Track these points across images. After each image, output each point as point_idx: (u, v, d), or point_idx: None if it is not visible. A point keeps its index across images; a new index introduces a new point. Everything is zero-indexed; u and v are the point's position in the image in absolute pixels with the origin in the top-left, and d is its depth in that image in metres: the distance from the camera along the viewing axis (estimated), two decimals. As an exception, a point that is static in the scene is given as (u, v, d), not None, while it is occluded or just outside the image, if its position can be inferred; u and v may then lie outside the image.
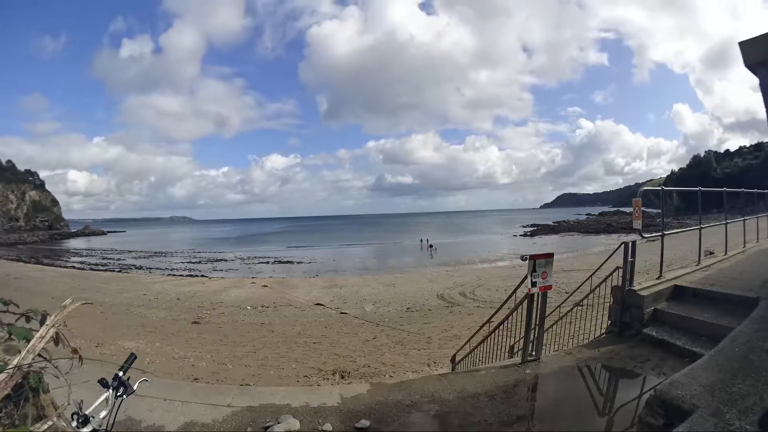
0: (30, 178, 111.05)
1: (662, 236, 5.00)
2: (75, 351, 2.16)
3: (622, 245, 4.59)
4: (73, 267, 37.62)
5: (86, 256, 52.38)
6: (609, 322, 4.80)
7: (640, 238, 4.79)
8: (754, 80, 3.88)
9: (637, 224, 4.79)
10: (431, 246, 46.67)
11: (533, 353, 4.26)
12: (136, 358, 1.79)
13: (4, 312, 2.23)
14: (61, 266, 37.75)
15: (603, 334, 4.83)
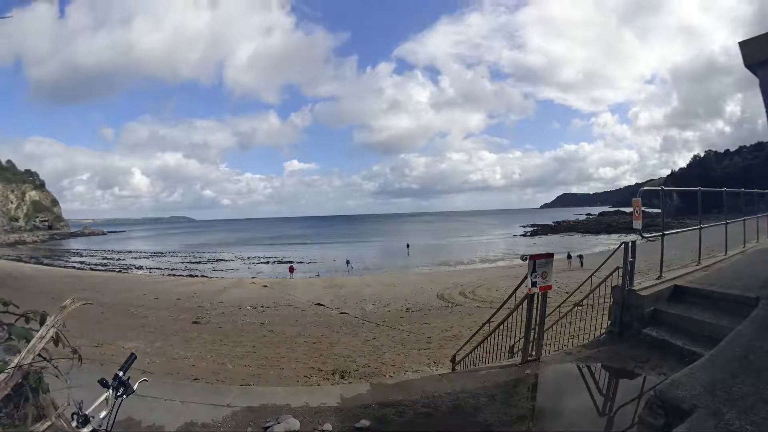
0: (30, 178, 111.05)
1: (662, 236, 5.00)
2: (75, 351, 2.16)
3: (622, 245, 4.59)
4: (73, 267, 37.65)
5: (86, 256, 52.41)
6: (609, 322, 4.80)
7: (640, 238, 4.79)
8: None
9: (637, 224, 4.78)
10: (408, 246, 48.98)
11: (533, 353, 4.25)
12: (136, 358, 1.79)
13: (4, 312, 2.23)
14: (61, 266, 37.77)
15: (603, 334, 4.83)
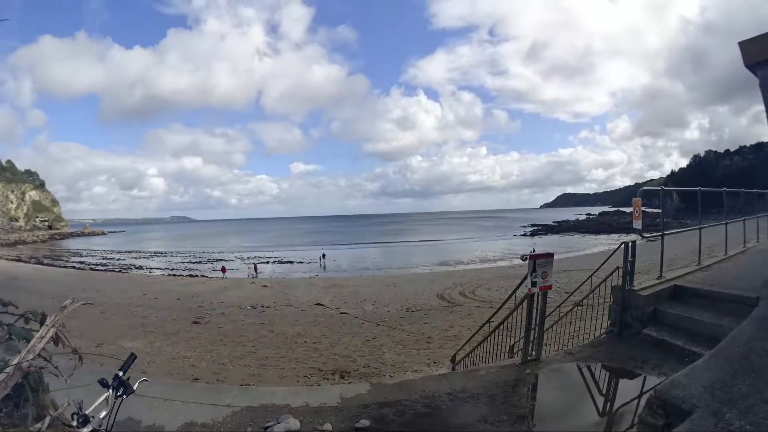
0: (30, 178, 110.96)
1: (662, 236, 5.00)
2: (75, 351, 2.16)
3: (622, 245, 4.59)
4: (73, 267, 37.61)
5: (86, 256, 52.37)
6: (609, 322, 4.79)
7: (640, 238, 4.78)
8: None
9: (638, 224, 4.78)
10: (323, 256, 40.72)
11: (533, 353, 4.25)
12: (136, 358, 1.79)
13: (4, 312, 2.23)
14: (61, 266, 37.73)
15: (603, 334, 4.83)
